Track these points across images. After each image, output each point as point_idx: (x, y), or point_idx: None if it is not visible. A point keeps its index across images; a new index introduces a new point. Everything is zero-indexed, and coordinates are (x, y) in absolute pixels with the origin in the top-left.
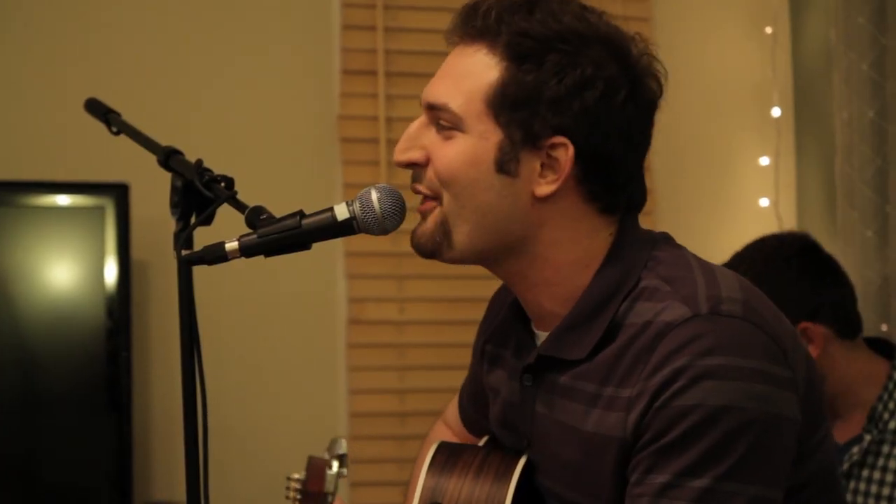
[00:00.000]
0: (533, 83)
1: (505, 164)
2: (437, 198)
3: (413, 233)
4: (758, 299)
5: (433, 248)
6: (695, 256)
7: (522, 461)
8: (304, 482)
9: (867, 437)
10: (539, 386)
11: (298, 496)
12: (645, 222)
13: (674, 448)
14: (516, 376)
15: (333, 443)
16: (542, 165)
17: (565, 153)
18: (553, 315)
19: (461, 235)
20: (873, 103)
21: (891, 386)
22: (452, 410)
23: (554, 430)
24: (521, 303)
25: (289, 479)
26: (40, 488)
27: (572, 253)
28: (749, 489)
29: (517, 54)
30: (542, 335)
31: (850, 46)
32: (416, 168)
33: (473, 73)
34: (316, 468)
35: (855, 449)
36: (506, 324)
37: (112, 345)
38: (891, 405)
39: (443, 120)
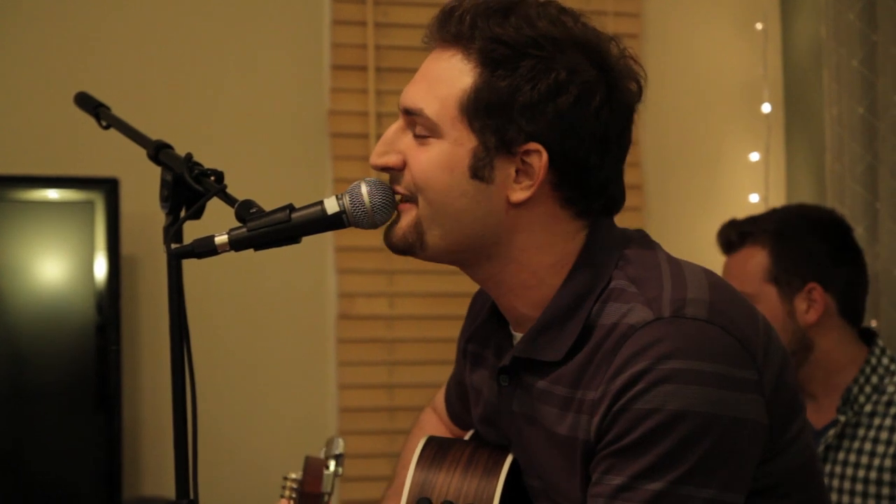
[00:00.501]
0: (506, 89)
1: (479, 171)
2: (412, 200)
3: (388, 229)
4: (727, 300)
5: (405, 247)
6: (666, 255)
7: (510, 458)
8: (301, 482)
9: (841, 419)
10: (516, 387)
11: (294, 496)
12: (634, 219)
13: (631, 451)
14: (495, 377)
15: (331, 442)
16: (517, 171)
17: (539, 159)
18: (528, 318)
19: (434, 238)
20: (863, 100)
21: (867, 370)
22: (441, 400)
23: (532, 432)
24: (497, 304)
25: (285, 478)
26: (29, 483)
27: (547, 257)
28: (703, 493)
29: (491, 60)
30: (518, 336)
31: (840, 43)
32: (393, 171)
33: (448, 78)
34: (313, 468)
35: (830, 432)
36: (486, 324)
37: (101, 340)
38: (867, 388)
39: (419, 125)
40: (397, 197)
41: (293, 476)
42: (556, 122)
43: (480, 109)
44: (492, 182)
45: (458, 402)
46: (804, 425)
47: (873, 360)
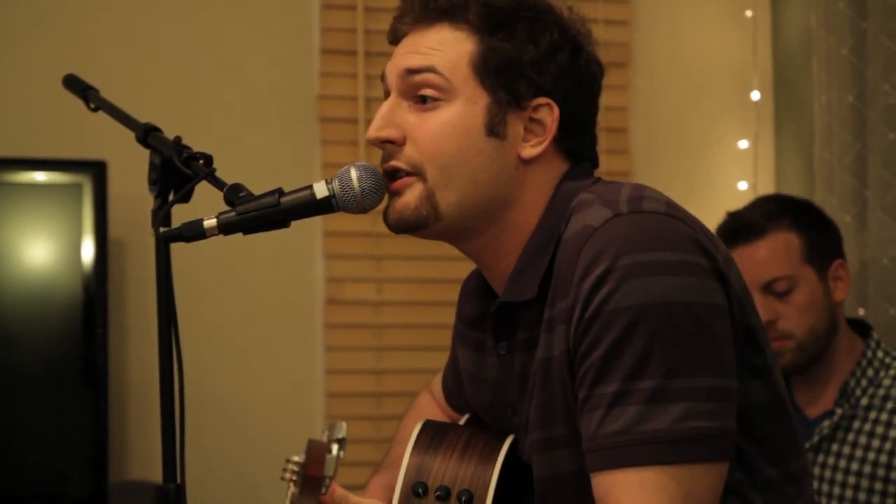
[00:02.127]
0: (511, 49)
1: (494, 127)
2: (416, 174)
3: (389, 209)
4: (684, 209)
5: (418, 220)
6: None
7: (508, 441)
8: (303, 465)
9: (838, 412)
10: (514, 351)
11: (295, 478)
12: None
13: (613, 354)
14: (494, 351)
15: (333, 426)
16: (525, 129)
17: (549, 114)
18: None
19: (450, 206)
20: (853, 88)
21: (864, 363)
22: (437, 385)
23: (530, 381)
24: (489, 277)
25: (287, 461)
26: (15, 466)
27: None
28: (697, 381)
29: (489, 24)
30: None
31: (830, 31)
32: (392, 146)
33: (447, 43)
34: (316, 451)
35: (826, 423)
36: (478, 307)
37: (88, 323)
38: (863, 382)
39: (426, 88)
40: (399, 175)
41: (296, 459)
42: (559, 77)
43: (491, 69)
44: (505, 139)
45: (455, 388)
46: (774, 361)
47: (869, 353)
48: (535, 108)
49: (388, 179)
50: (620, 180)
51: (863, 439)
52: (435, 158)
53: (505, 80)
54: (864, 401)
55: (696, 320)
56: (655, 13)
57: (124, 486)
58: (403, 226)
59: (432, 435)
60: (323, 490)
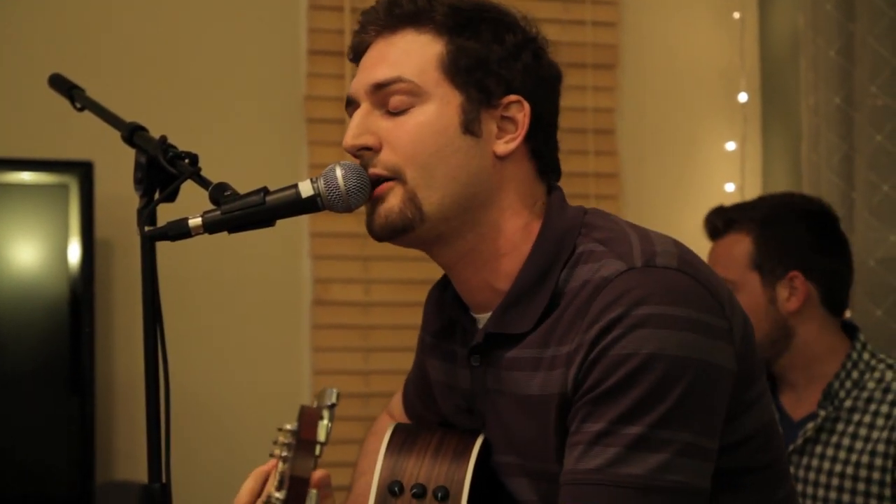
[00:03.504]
0: (479, 48)
1: (469, 124)
2: (395, 178)
3: (373, 216)
4: (693, 256)
5: (404, 224)
6: (627, 221)
7: (480, 439)
8: (296, 431)
9: (822, 414)
10: (487, 366)
11: (286, 450)
12: (610, 206)
13: (609, 396)
14: (465, 363)
15: (322, 393)
16: (498, 126)
17: (520, 110)
18: (497, 293)
19: (433, 205)
20: (840, 90)
21: (849, 365)
22: (397, 404)
23: (504, 403)
24: (461, 290)
25: (279, 429)
26: (1, 466)
27: (519, 220)
28: (682, 436)
29: (455, 25)
30: (482, 318)
31: (817, 33)
32: (368, 153)
33: (414, 50)
34: (308, 417)
35: (810, 425)
36: (447, 317)
37: (75, 323)
38: (847, 384)
39: (395, 96)
40: (374, 176)
41: (288, 427)
42: (526, 75)
43: (461, 68)
44: (480, 136)
45: (419, 401)
46: (766, 387)
47: (854, 356)
48: (507, 106)
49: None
50: (609, 181)
51: (846, 441)
52: (413, 159)
53: (475, 78)
54: (848, 403)
55: (696, 379)
56: (643, 15)
57: (110, 486)
58: (390, 230)
59: (405, 436)
60: (316, 459)
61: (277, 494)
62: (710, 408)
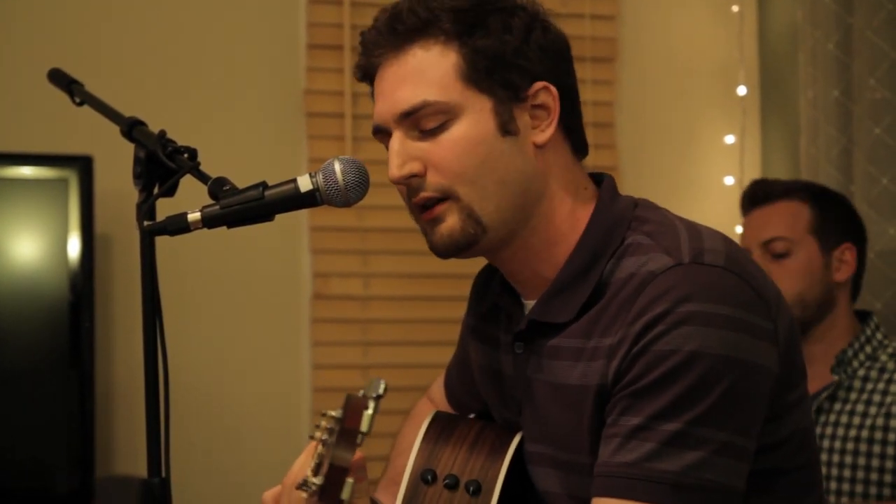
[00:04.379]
0: (493, 45)
1: (506, 125)
2: (447, 198)
3: (435, 238)
4: (742, 255)
5: (468, 240)
6: (677, 216)
7: (518, 437)
8: (341, 419)
9: (835, 378)
10: (530, 353)
11: (327, 434)
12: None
13: (649, 391)
14: (509, 349)
15: (371, 384)
16: (531, 116)
17: (549, 95)
18: (544, 280)
19: (490, 215)
20: (838, 83)
21: (862, 338)
22: (438, 388)
23: (543, 392)
24: (511, 277)
25: (323, 415)
26: (1, 460)
27: (565, 207)
28: (720, 435)
29: (464, 28)
30: (530, 304)
31: (816, 26)
32: (416, 179)
33: (428, 67)
34: (354, 406)
35: (823, 394)
36: (494, 301)
37: (75, 318)
38: (861, 356)
39: (426, 119)
40: (430, 203)
41: (332, 413)
42: (543, 56)
43: (481, 72)
44: (518, 133)
45: (460, 387)
46: (806, 391)
47: (868, 331)
48: (535, 94)
49: (419, 212)
50: (610, 171)
51: (860, 407)
52: (461, 177)
53: (499, 77)
54: (861, 372)
55: (738, 377)
56: (642, 8)
57: (110, 480)
58: (455, 249)
59: (443, 425)
60: (358, 442)
61: (314, 479)
62: (749, 408)
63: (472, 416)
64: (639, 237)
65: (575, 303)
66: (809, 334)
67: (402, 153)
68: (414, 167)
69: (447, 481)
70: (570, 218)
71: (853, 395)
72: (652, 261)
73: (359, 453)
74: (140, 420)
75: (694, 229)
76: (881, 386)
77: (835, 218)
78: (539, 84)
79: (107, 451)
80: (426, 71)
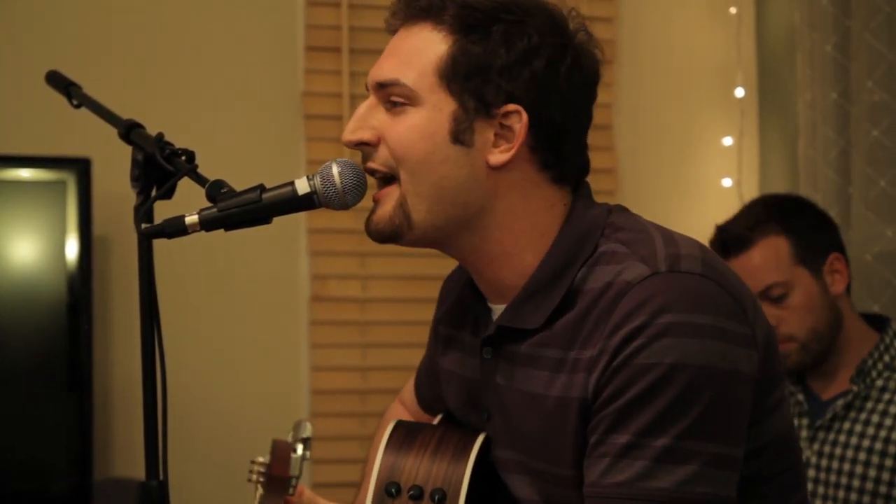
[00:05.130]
0: (482, 53)
1: (460, 134)
2: (393, 178)
3: (369, 219)
4: (717, 260)
5: (392, 231)
6: (651, 222)
7: (480, 438)
8: (268, 465)
9: (854, 389)
10: (499, 358)
11: (262, 479)
12: (607, 202)
13: (634, 407)
14: (476, 352)
15: (297, 426)
16: (496, 135)
17: (518, 121)
18: (511, 287)
19: (420, 213)
20: (836, 85)
21: (882, 347)
22: (409, 391)
23: (515, 400)
24: (477, 280)
25: (252, 462)
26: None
27: (528, 222)
28: (708, 447)
29: (464, 26)
30: (498, 309)
31: (814, 28)
32: (367, 147)
33: (421, 48)
34: (280, 451)
35: (839, 402)
36: (461, 304)
37: (73, 321)
38: (879, 365)
39: (394, 96)
40: (376, 176)
41: (260, 460)
42: (533, 84)
43: (459, 73)
44: (472, 146)
45: (429, 390)
46: (784, 394)
47: (887, 340)
48: (505, 115)
49: (377, 187)
50: (606, 177)
51: (875, 418)
52: (404, 162)
53: (473, 86)
54: (880, 382)
55: (720, 387)
56: (640, 10)
57: (108, 482)
58: (379, 236)
59: (404, 435)
60: (290, 491)
61: None
62: (734, 416)
63: (437, 419)
64: (613, 245)
65: (544, 309)
66: (827, 358)
67: (361, 118)
68: (365, 135)
69: (412, 492)
70: (533, 233)
71: (869, 405)
72: (627, 270)
73: (301, 489)
74: (138, 422)
75: (669, 235)
76: None
77: (811, 236)
78: (512, 106)
79: (105, 453)
80: (416, 53)
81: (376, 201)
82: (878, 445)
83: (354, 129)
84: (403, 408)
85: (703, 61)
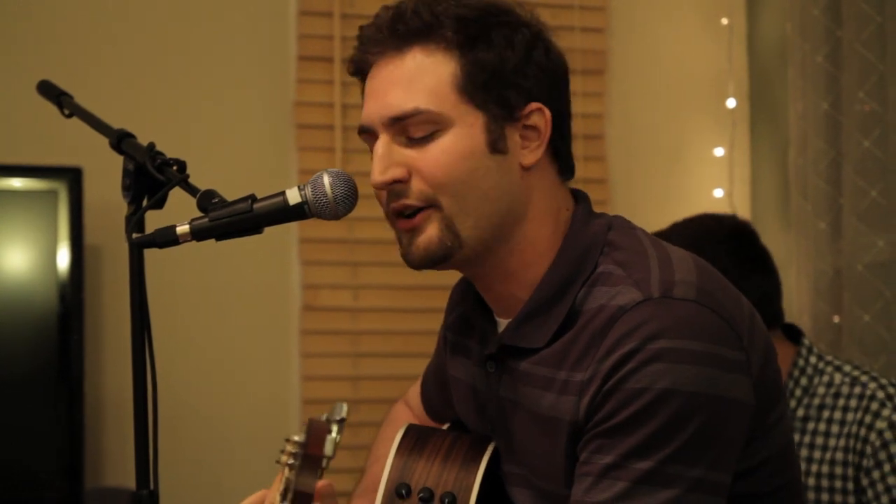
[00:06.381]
0: (494, 60)
1: (496, 143)
2: (431, 206)
3: (411, 247)
4: (713, 282)
5: (444, 252)
6: (652, 239)
7: (491, 447)
8: (303, 444)
9: None
10: (502, 372)
11: (292, 459)
12: (605, 212)
13: (621, 430)
14: (482, 363)
15: (334, 407)
16: (521, 136)
17: (541, 117)
18: (518, 301)
19: (469, 230)
20: (827, 95)
21: (796, 372)
22: (415, 394)
23: (517, 415)
24: (484, 295)
25: (287, 440)
26: None
27: (546, 229)
28: (693, 472)
29: (467, 38)
30: (503, 323)
31: (805, 39)
32: (399, 185)
33: (426, 71)
34: (317, 431)
35: None
36: (469, 313)
37: (64, 330)
38: (797, 392)
39: (415, 127)
40: (407, 212)
41: (296, 438)
42: (541, 76)
43: (478, 85)
44: (507, 152)
45: (436, 395)
46: (785, 409)
47: (801, 362)
48: (528, 115)
49: (395, 218)
50: (598, 187)
51: (804, 452)
52: (446, 188)
53: (496, 94)
54: (800, 412)
55: (710, 413)
56: (631, 21)
57: (99, 492)
58: (430, 260)
59: (416, 438)
60: (320, 472)
61: None
62: (723, 442)
63: (446, 426)
64: (610, 266)
65: (547, 329)
66: None
67: (386, 157)
68: (397, 173)
69: (422, 495)
70: (548, 241)
71: (811, 426)
72: (621, 294)
73: (326, 481)
74: (129, 431)
75: (665, 258)
76: (822, 427)
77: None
78: (534, 105)
79: (96, 462)
80: (422, 77)
81: (412, 228)
82: (812, 481)
83: (384, 170)
84: (409, 410)
85: (694, 72)
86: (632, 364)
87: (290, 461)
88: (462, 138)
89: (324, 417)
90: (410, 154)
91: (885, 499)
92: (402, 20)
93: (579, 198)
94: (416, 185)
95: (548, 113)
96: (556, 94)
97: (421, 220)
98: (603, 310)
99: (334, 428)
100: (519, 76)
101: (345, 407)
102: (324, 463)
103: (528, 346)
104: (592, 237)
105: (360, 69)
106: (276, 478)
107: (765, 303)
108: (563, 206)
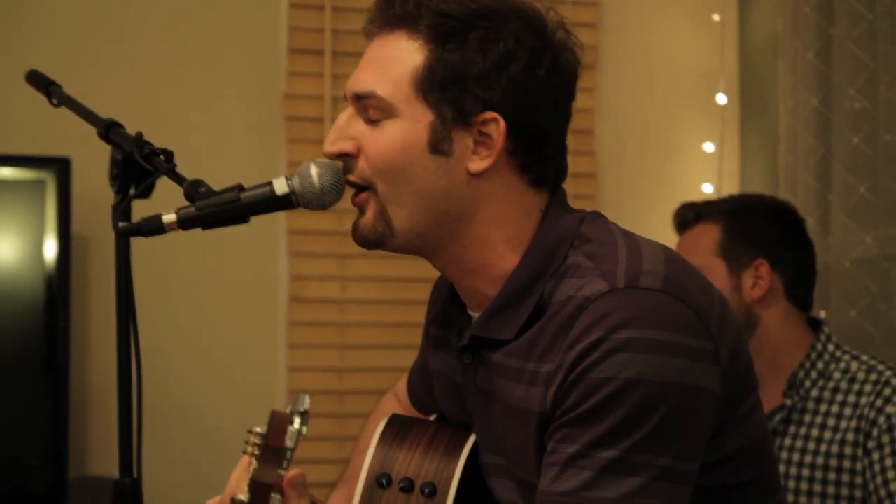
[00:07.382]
0: (459, 62)
1: (438, 144)
2: (369, 187)
3: (354, 226)
4: (682, 272)
5: (376, 238)
6: (623, 231)
7: (472, 438)
8: (265, 436)
9: (788, 403)
10: (478, 364)
11: (257, 450)
12: (587, 206)
13: (586, 419)
14: (458, 356)
15: (297, 399)
16: (475, 142)
17: (496, 128)
18: (487, 297)
19: (401, 221)
20: (817, 92)
21: (813, 355)
22: (403, 388)
23: (492, 406)
24: (457, 289)
25: (249, 432)
26: None
27: (507, 231)
28: (659, 460)
29: (440, 35)
30: (476, 316)
31: (796, 35)
32: (347, 158)
33: (397, 59)
34: (278, 422)
35: (777, 417)
36: (447, 307)
37: (50, 319)
38: (813, 374)
39: (371, 108)
40: (350, 183)
41: (258, 430)
42: (510, 89)
43: (435, 84)
44: (451, 155)
45: (421, 388)
46: (757, 402)
47: (819, 346)
48: (483, 123)
49: (354, 194)
50: (587, 181)
51: (815, 432)
52: (382, 175)
53: (451, 96)
54: (815, 393)
55: (676, 403)
56: (623, 16)
57: (84, 481)
58: (364, 243)
59: (398, 428)
60: (284, 464)
61: (241, 497)
62: (690, 432)
63: (432, 417)
64: (579, 258)
65: (516, 321)
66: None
67: (341, 129)
68: (345, 146)
69: (402, 484)
70: (510, 242)
71: (807, 418)
72: (588, 285)
73: (295, 471)
74: (114, 420)
75: (634, 249)
76: (835, 409)
77: (745, 236)
78: (489, 114)
79: (81, 451)
80: (393, 63)
81: (357, 206)
82: (820, 460)
83: (334, 140)
84: (397, 401)
85: (685, 67)
86: (597, 354)
87: (256, 452)
88: (404, 132)
89: (288, 409)
90: (365, 132)
91: (879, 479)
92: (392, 4)
93: (555, 192)
94: (361, 164)
95: (502, 124)
96: (529, 109)
97: (362, 201)
98: (570, 301)
99: (296, 420)
100: (481, 83)
101: (307, 399)
102: (287, 454)
103: (498, 338)
104: (563, 231)
105: (367, 37)
106: (239, 466)
107: (799, 279)
108: (533, 209)
